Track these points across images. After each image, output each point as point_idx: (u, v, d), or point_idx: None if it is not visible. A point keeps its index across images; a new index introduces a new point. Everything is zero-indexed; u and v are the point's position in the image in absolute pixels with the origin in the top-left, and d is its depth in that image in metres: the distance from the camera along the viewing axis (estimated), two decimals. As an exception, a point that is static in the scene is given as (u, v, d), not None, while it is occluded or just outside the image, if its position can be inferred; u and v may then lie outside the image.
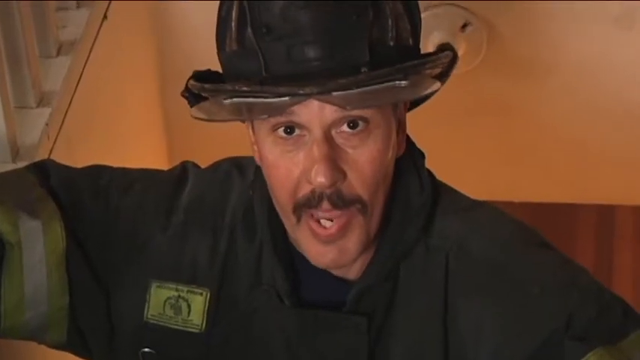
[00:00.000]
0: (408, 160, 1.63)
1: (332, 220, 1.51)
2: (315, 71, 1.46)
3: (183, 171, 1.75)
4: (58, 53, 2.33)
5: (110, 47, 2.48)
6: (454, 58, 1.60)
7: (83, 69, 2.36)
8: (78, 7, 2.45)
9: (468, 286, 1.62)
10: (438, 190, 1.67)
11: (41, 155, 2.06)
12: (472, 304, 1.62)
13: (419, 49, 1.57)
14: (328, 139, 1.48)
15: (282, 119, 1.48)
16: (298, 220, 1.53)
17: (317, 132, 1.48)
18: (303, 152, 1.49)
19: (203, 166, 1.75)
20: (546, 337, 1.59)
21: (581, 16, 2.80)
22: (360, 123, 1.48)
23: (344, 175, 1.50)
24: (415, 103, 1.65)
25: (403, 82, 1.48)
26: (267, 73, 1.47)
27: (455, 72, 2.94)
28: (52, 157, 2.10)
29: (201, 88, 1.54)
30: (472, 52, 2.88)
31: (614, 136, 2.89)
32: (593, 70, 2.84)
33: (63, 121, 2.24)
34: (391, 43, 1.50)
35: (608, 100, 2.86)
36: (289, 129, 1.49)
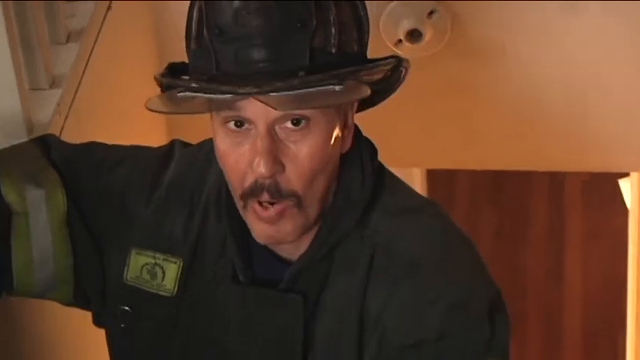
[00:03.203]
0: (355, 156, 1.63)
1: (272, 204, 1.51)
2: (259, 72, 1.46)
3: (170, 150, 1.76)
4: (68, 40, 2.34)
5: (114, 35, 2.49)
6: (399, 65, 1.59)
7: (90, 54, 2.37)
8: (85, -2, 2.47)
9: (383, 278, 1.61)
10: (383, 187, 1.67)
11: (53, 131, 2.05)
12: (382, 293, 1.61)
13: (364, 55, 1.57)
14: (271, 133, 1.49)
15: (231, 113, 1.49)
16: (245, 206, 1.53)
17: (261, 127, 1.48)
18: (249, 144, 1.50)
19: (195, 140, 1.75)
20: (418, 340, 1.59)
21: (532, 3, 2.81)
22: (303, 121, 1.49)
23: (283, 167, 1.50)
24: (375, 101, 1.65)
25: (337, 86, 1.48)
26: (217, 72, 1.48)
27: (422, 54, 2.98)
28: (63, 133, 2.12)
29: (160, 81, 1.56)
30: (438, 37, 2.88)
31: (562, 109, 2.91)
32: (543, 51, 2.86)
33: (72, 101, 2.25)
34: (333, 50, 1.50)
35: (556, 77, 2.89)
36: (239, 122, 1.49)
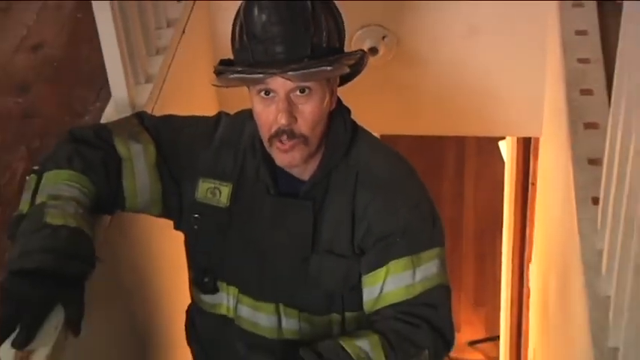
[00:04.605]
0: (338, 113, 1.62)
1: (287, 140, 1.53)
2: (280, 60, 1.47)
3: (219, 118, 1.75)
4: (157, 53, 2.30)
5: (186, 50, 2.45)
6: (363, 56, 1.57)
7: (171, 62, 2.33)
8: (168, 26, 2.40)
9: (366, 188, 1.61)
10: (357, 132, 1.65)
11: (147, 110, 2.05)
12: (365, 198, 1.61)
13: (343, 49, 1.57)
14: (287, 98, 1.50)
15: (262, 86, 1.50)
16: (271, 145, 1.54)
17: (281, 94, 1.49)
18: (274, 106, 1.51)
19: (233, 111, 1.76)
20: (390, 231, 1.59)
21: (451, 27, 2.77)
22: (306, 90, 1.49)
23: (295, 119, 1.51)
24: (348, 80, 1.62)
25: (328, 67, 1.49)
26: (253, 60, 1.49)
27: (379, 63, 2.95)
28: (154, 112, 2.09)
29: (217, 68, 1.56)
30: (388, 52, 2.83)
31: (465, 96, 2.87)
32: (455, 58, 2.82)
33: (160, 91, 2.22)
34: (324, 45, 1.51)
35: (463, 75, 2.85)
36: (267, 92, 1.50)
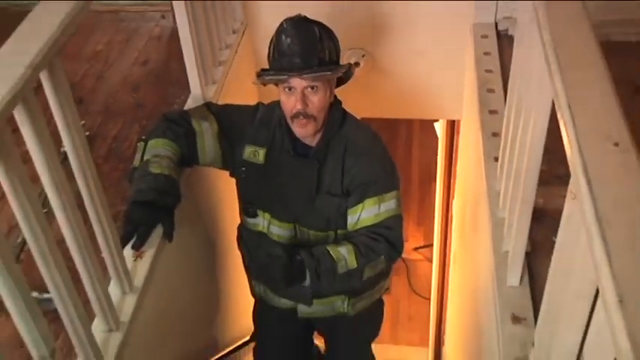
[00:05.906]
0: (335, 103, 1.58)
1: (303, 119, 1.50)
2: (298, 68, 1.43)
3: (257, 106, 1.70)
4: (219, 65, 2.23)
5: (237, 63, 2.38)
6: (350, 67, 1.54)
7: (228, 71, 2.27)
8: (226, 47, 2.34)
9: (351, 153, 1.57)
10: (346, 116, 1.61)
11: (213, 101, 1.99)
12: (351, 160, 1.57)
13: (339, 61, 1.52)
14: (302, 92, 1.46)
15: (286, 84, 1.46)
16: (292, 122, 1.51)
17: (299, 89, 1.45)
18: (293, 97, 1.47)
19: (267, 101, 1.71)
20: (366, 180, 1.55)
21: (405, 50, 2.67)
22: (315, 87, 1.46)
23: (307, 106, 1.47)
24: (341, 83, 1.58)
25: (329, 72, 1.45)
26: (281, 67, 1.44)
27: (359, 73, 2.88)
28: (218, 102, 2.03)
29: (257, 73, 1.51)
30: (366, 66, 2.74)
31: (411, 89, 2.78)
32: (409, 70, 2.73)
33: (221, 89, 2.16)
34: (327, 59, 1.46)
35: (414, 78, 2.76)
36: (289, 88, 1.46)
